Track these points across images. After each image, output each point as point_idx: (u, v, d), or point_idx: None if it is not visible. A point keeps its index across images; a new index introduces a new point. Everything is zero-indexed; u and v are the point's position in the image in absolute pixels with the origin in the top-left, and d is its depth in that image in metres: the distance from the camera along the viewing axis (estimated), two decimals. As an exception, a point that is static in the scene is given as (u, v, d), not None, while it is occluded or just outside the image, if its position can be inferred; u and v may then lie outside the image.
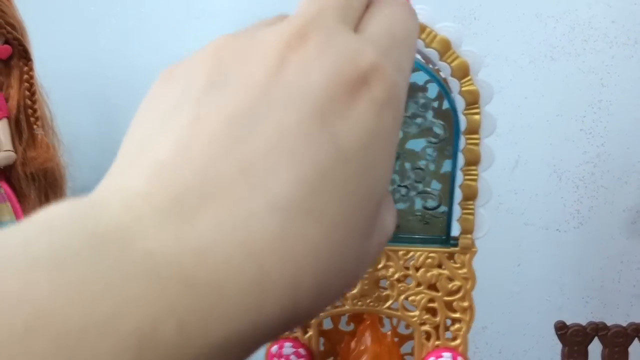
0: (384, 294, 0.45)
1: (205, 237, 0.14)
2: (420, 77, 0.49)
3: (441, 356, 0.47)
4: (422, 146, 0.50)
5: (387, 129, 0.17)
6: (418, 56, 0.46)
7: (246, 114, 0.16)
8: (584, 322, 0.51)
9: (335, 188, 0.16)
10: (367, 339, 0.48)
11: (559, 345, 0.71)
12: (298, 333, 0.47)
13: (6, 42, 0.60)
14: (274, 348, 0.47)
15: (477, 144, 0.45)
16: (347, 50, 0.17)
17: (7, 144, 0.61)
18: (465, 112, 0.45)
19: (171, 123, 0.17)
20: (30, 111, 0.66)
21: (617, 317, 0.68)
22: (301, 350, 0.47)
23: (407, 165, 0.50)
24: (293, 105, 0.16)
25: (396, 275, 0.44)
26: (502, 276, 0.72)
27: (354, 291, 0.44)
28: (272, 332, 0.15)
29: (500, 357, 0.75)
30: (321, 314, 0.46)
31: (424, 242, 0.48)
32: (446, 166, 0.49)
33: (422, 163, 0.50)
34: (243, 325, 0.14)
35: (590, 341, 0.50)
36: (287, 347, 0.47)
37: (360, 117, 0.17)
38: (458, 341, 0.48)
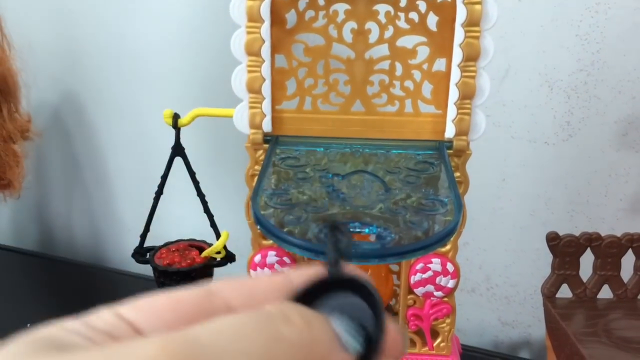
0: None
1: None
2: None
3: (430, 262, 0.45)
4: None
5: None
6: None
7: None
8: (569, 236, 0.49)
9: None
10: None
11: (540, 261, 0.70)
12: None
13: None
14: (257, 257, 0.44)
15: (477, 37, 0.41)
16: None
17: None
18: (466, 1, 0.40)
19: None
20: (-27, 8, 0.59)
21: (602, 231, 0.66)
22: (286, 259, 0.44)
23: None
24: None
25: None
26: (486, 191, 0.70)
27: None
28: None
29: (480, 273, 0.74)
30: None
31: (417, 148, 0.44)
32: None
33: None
34: None
35: (583, 252, 0.48)
36: (271, 256, 0.44)
37: None
38: (448, 247, 0.46)
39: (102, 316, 0.17)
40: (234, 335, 0.15)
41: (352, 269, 0.18)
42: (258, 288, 0.19)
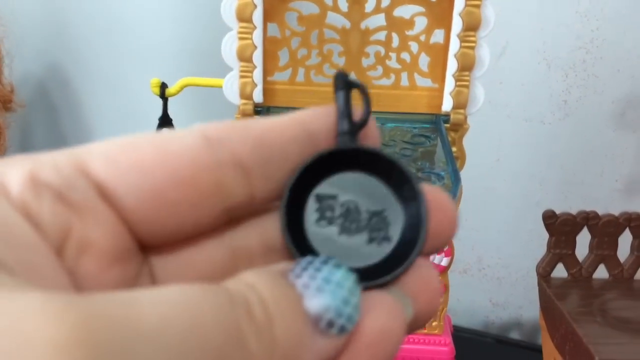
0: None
1: None
2: None
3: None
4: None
5: None
6: None
7: None
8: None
9: None
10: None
11: (532, 242, 0.69)
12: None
13: None
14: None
15: (478, 6, 0.39)
16: None
17: None
18: (466, -32, 0.39)
19: None
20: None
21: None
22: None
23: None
24: None
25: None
26: (480, 171, 0.69)
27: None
28: None
29: (473, 255, 0.73)
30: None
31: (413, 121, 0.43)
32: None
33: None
34: None
35: (580, 231, 0.47)
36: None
37: None
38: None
39: (60, 168, 0.12)
40: (188, 322, 0.10)
41: (373, 139, 0.14)
42: (270, 138, 0.13)
